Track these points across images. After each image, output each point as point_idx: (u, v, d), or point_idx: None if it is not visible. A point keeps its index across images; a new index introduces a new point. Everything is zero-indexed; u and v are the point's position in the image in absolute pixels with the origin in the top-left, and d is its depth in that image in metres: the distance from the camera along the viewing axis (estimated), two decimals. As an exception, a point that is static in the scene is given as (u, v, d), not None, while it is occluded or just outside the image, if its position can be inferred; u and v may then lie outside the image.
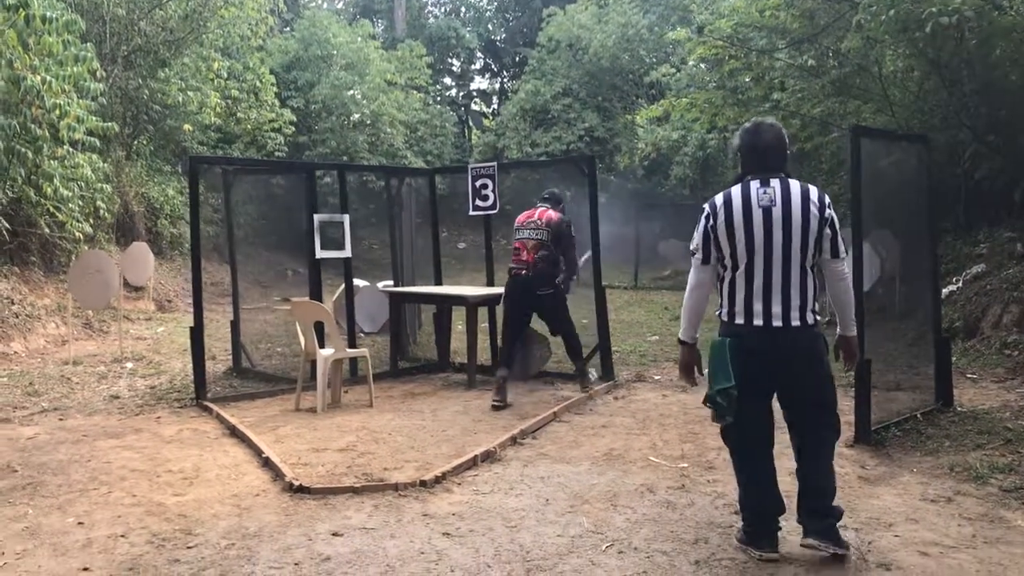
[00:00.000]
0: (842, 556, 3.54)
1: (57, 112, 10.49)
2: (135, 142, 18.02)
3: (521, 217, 7.16)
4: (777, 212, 3.51)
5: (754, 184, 3.60)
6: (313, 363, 7.04)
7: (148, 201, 17.20)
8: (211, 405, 6.88)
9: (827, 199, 3.59)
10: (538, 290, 6.92)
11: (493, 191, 8.20)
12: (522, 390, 7.40)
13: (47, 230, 12.21)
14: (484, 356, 8.39)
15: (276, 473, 4.94)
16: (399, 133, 25.39)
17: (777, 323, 3.53)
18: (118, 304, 11.12)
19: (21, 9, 9.82)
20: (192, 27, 17.67)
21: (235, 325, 8.67)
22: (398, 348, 8.59)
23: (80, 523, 4.17)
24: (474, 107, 38.17)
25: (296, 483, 4.64)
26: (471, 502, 4.40)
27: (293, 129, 22.11)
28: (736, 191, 3.62)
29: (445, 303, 8.42)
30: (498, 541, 3.84)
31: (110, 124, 12.45)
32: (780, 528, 3.71)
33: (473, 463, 5.06)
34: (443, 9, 37.16)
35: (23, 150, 10.41)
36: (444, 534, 3.94)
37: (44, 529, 4.09)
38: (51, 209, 11.89)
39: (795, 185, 3.58)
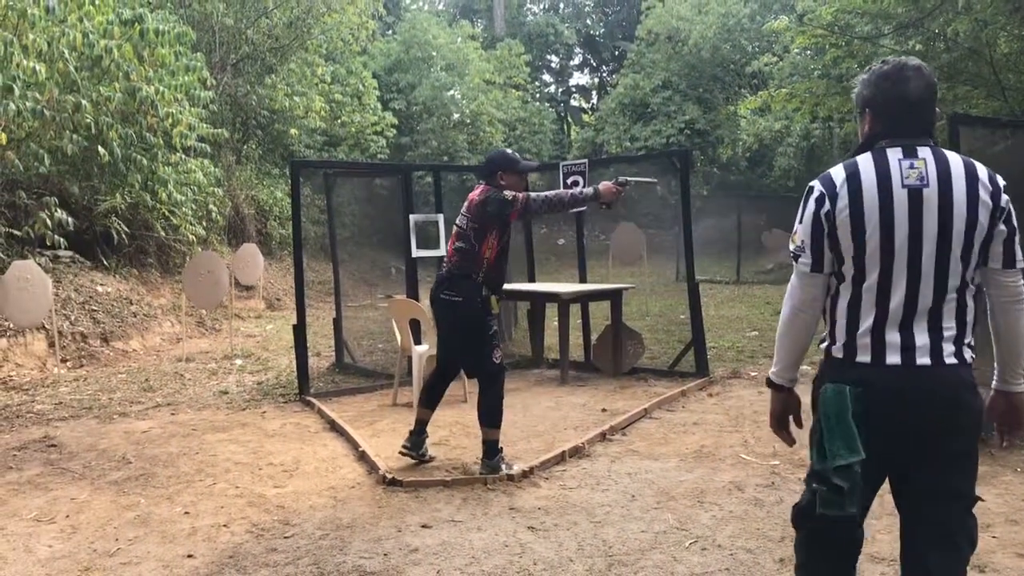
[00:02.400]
0: None
1: (170, 120, 11.01)
2: (244, 147, 18.74)
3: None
4: (931, 195, 2.29)
5: (894, 154, 2.35)
6: (410, 359, 7.21)
7: (257, 203, 17.85)
8: (313, 400, 7.13)
9: (1002, 182, 2.35)
10: (442, 293, 5.04)
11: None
12: (614, 386, 7.42)
13: (163, 233, 12.83)
14: (577, 352, 8.43)
15: (371, 466, 5.09)
16: (498, 132, 25.65)
17: (924, 360, 2.30)
18: (229, 303, 11.58)
19: (136, 24, 10.35)
20: (297, 34, 18.25)
21: (337, 322, 8.95)
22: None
23: (186, 512, 4.40)
24: (573, 103, 38.18)
25: (389, 476, 4.79)
26: (557, 497, 4.46)
27: (395, 131, 22.56)
28: (867, 162, 2.36)
29: (539, 300, 8.50)
30: (581, 536, 3.89)
31: (220, 130, 12.98)
32: None
33: (561, 458, 5.12)
34: (542, 6, 37.26)
35: (139, 157, 10.98)
36: (529, 528, 4.01)
37: (154, 517, 4.34)
38: (166, 213, 12.50)
39: (955, 158, 2.35)
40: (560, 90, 37.69)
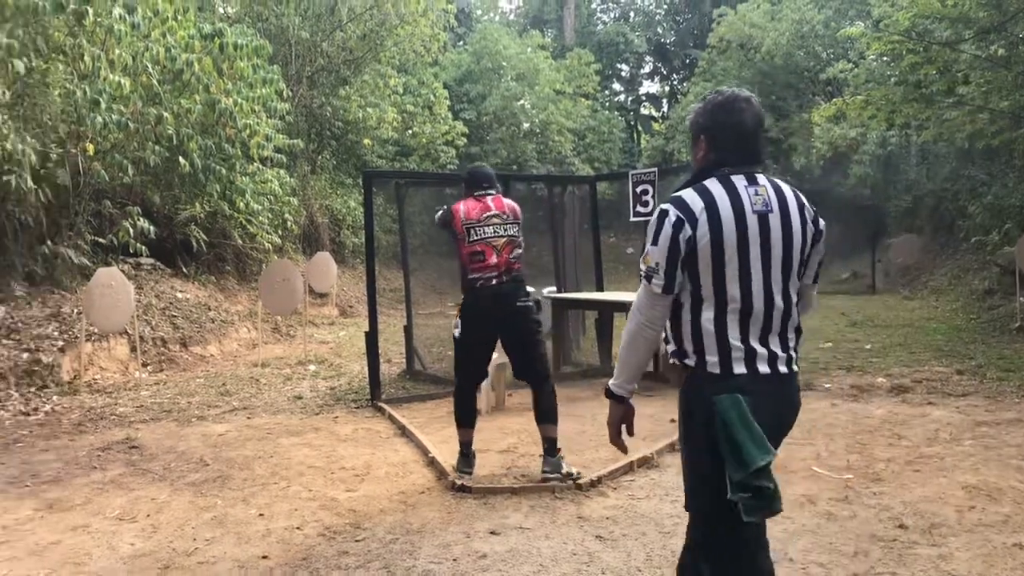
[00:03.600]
0: None
1: (248, 131, 11.31)
2: (319, 157, 19.11)
3: (471, 210, 5.16)
4: (775, 220, 2.50)
5: (739, 181, 2.52)
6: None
7: (331, 212, 18.19)
8: (384, 406, 7.23)
9: (814, 208, 2.66)
10: (518, 301, 5.14)
11: (654, 197, 8.20)
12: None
13: (240, 241, 13.17)
14: (647, 362, 8.37)
15: (440, 472, 5.14)
16: (567, 141, 25.68)
17: (783, 368, 2.50)
18: (303, 310, 11.80)
19: (216, 38, 10.67)
20: (370, 46, 18.58)
21: (408, 330, 9.06)
22: (561, 353, 8.71)
23: (261, 514, 4.51)
24: (643, 111, 38.00)
25: (458, 483, 4.83)
26: (626, 506, 4.44)
27: (465, 140, 22.76)
28: (718, 189, 2.50)
29: (607, 309, 8.47)
30: (650, 546, 3.87)
31: (296, 141, 13.30)
32: None
33: (629, 468, 5.10)
34: (612, 15, 37.23)
35: (218, 167, 11.30)
36: (597, 537, 4.01)
37: (230, 519, 4.45)
38: (243, 222, 12.83)
39: (786, 187, 2.61)
40: (630, 98, 37.54)
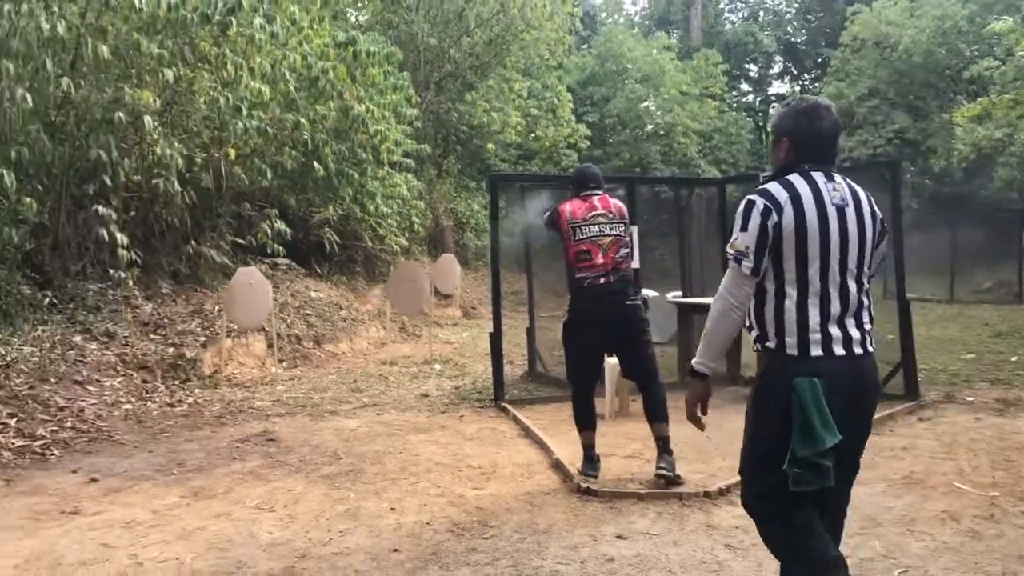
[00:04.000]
0: None
1: (379, 137, 11.63)
2: (445, 161, 19.47)
3: (576, 209, 5.20)
4: (851, 213, 2.73)
5: (819, 177, 2.76)
6: (602, 371, 7.23)
7: (456, 215, 18.51)
8: (508, 406, 7.29)
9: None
10: (627, 300, 5.14)
11: (786, 200, 7.98)
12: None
13: (370, 243, 13.55)
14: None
15: (565, 475, 5.15)
16: (692, 143, 25.33)
17: (859, 350, 2.71)
18: (429, 310, 12.03)
19: (350, 45, 11.01)
20: (496, 51, 18.80)
21: (530, 332, 9.10)
22: (686, 359, 8.58)
23: (392, 509, 4.62)
24: (772, 112, 37.07)
25: (584, 485, 4.83)
26: (756, 516, 4.34)
27: (588, 143, 22.73)
28: (801, 183, 2.73)
29: (736, 314, 8.29)
30: (782, 557, 3.78)
31: (423, 146, 13.60)
32: None
33: (760, 477, 4.98)
34: (740, 15, 36.48)
35: (351, 172, 11.66)
36: (727, 546, 3.94)
37: (363, 512, 4.58)
38: (373, 224, 13.20)
39: (856, 185, 2.84)
40: (758, 99, 36.70)
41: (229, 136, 9.63)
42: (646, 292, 9.71)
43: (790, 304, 2.70)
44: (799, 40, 35.39)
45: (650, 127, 25.10)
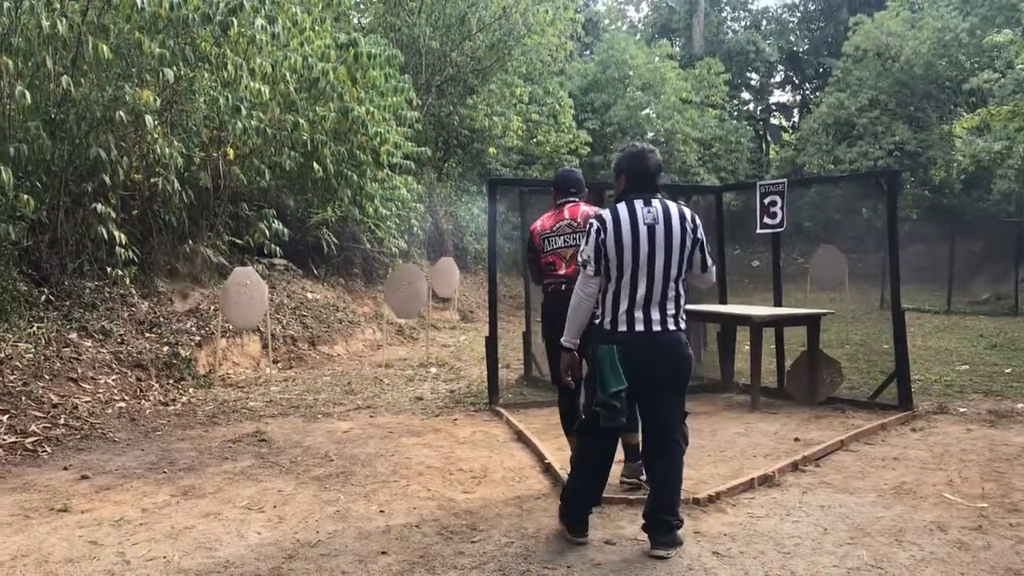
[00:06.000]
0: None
1: (378, 139, 11.64)
2: (445, 165, 19.48)
3: (546, 222, 5.33)
4: (660, 230, 3.86)
5: (639, 204, 3.92)
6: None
7: (456, 219, 18.50)
8: (502, 410, 7.29)
9: (698, 220, 3.97)
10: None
11: (782, 208, 7.99)
12: (808, 415, 7.14)
13: (368, 245, 13.55)
14: (769, 378, 8.19)
15: (556, 479, 5.15)
16: (692, 150, 25.35)
17: (657, 328, 3.88)
18: (426, 313, 12.03)
19: (351, 47, 11.02)
20: (498, 56, 18.83)
21: (527, 336, 9.11)
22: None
23: (381, 511, 4.62)
24: (773, 121, 37.14)
25: (574, 490, 4.82)
26: (744, 524, 4.34)
27: (589, 150, 22.75)
28: (623, 209, 3.93)
29: (730, 322, 8.31)
30: (768, 566, 3.77)
31: (424, 149, 13.59)
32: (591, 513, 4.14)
33: (749, 486, 4.98)
34: (742, 23, 36.53)
35: (350, 173, 11.66)
36: (714, 553, 3.93)
37: (352, 514, 4.58)
38: (372, 227, 13.20)
39: (674, 206, 3.95)
40: (759, 108, 36.76)
41: (228, 136, 9.64)
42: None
43: (612, 294, 3.94)
44: (801, 49, 35.47)
45: (650, 134, 25.12)
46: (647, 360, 3.87)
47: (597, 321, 3.97)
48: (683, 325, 3.96)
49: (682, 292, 3.95)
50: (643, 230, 3.85)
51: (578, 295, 4.00)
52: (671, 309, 3.90)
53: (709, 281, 4.15)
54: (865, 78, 25.78)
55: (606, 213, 3.96)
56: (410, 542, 4.13)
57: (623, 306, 3.89)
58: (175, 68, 8.55)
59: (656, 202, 3.92)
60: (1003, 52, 18.68)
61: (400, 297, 10.51)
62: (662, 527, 3.89)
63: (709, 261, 4.04)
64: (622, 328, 3.89)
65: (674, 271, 3.88)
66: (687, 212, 3.95)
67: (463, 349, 11.80)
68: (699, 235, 3.95)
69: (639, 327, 3.86)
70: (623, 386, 3.77)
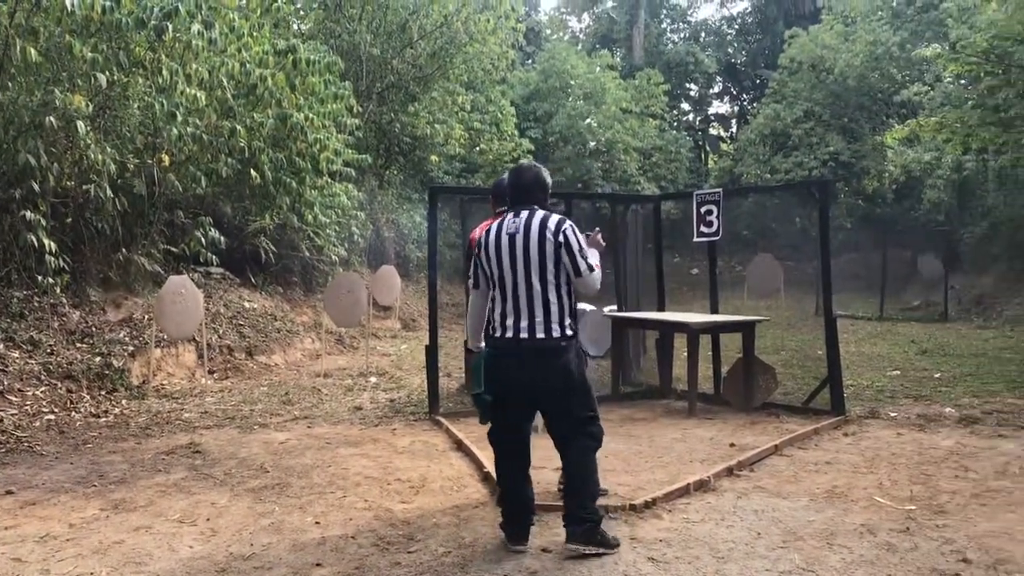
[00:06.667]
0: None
1: (318, 146, 11.52)
2: (387, 172, 19.37)
3: (482, 231, 4.91)
4: (520, 239, 4.02)
5: (509, 215, 4.14)
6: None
7: (397, 227, 18.40)
8: (442, 419, 7.27)
9: (565, 225, 4.02)
10: None
11: (718, 217, 8.11)
12: (744, 421, 7.25)
13: (307, 253, 13.41)
14: (706, 385, 8.29)
15: (495, 487, 5.13)
16: (633, 160, 25.61)
17: (524, 335, 3.99)
18: (367, 322, 11.94)
19: (289, 54, 10.92)
20: (439, 64, 18.81)
21: (467, 344, 9.09)
22: (620, 373, 8.66)
23: (317, 523, 4.57)
24: (712, 131, 37.73)
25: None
26: (680, 530, 4.39)
27: (531, 158, 22.82)
28: (496, 223, 4.18)
29: (668, 329, 8.41)
30: (703, 570, 3.82)
31: (364, 156, 13.49)
32: (532, 523, 4.20)
33: (685, 491, 5.04)
34: (681, 35, 37.07)
35: (288, 180, 11.52)
36: (649, 559, 3.97)
37: (287, 526, 4.52)
38: (311, 234, 13.07)
39: (538, 215, 4.07)
40: (698, 118, 37.33)
41: (163, 142, 9.48)
42: (583, 306, 9.77)
43: (491, 302, 4.16)
44: (739, 61, 36.13)
45: (592, 144, 25.33)
46: (516, 365, 4.03)
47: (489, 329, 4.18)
48: (557, 332, 4.00)
49: (552, 299, 4.00)
50: (505, 240, 4.04)
51: (471, 304, 4.34)
52: (539, 316, 3.99)
53: (589, 286, 4.12)
54: (800, 90, 26.34)
55: (484, 229, 4.27)
56: (345, 554, 4.09)
57: (497, 313, 4.09)
58: (108, 73, 8.38)
59: (524, 212, 4.09)
60: (932, 65, 19.25)
61: (340, 306, 10.41)
62: (572, 519, 4.02)
63: (582, 266, 4.04)
64: (496, 334, 4.08)
65: (536, 277, 3.99)
66: (552, 219, 4.04)
67: (404, 358, 11.74)
68: (561, 239, 3.99)
69: (508, 333, 4.03)
70: (480, 390, 4.08)
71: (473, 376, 4.13)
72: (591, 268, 4.08)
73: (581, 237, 4.12)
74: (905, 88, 20.88)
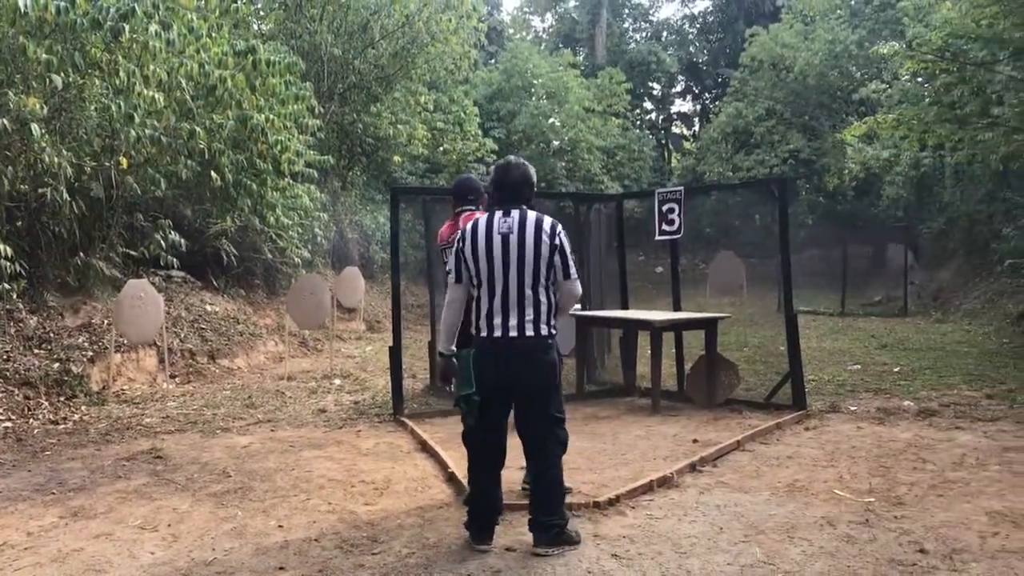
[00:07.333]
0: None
1: (279, 147, 11.42)
2: (349, 173, 19.26)
3: (444, 232, 5.33)
4: (514, 239, 4.03)
5: (498, 214, 4.13)
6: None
7: (361, 228, 18.31)
8: (407, 421, 7.25)
9: (559, 229, 4.09)
10: None
11: (680, 216, 8.17)
12: (707, 417, 7.32)
13: (270, 256, 13.30)
14: (670, 382, 8.35)
15: (459, 488, 5.14)
16: (596, 159, 25.70)
17: (513, 333, 4.02)
18: (331, 324, 11.87)
19: (249, 55, 10.81)
20: (401, 64, 18.74)
21: (432, 345, 9.07)
22: (584, 372, 8.70)
23: (280, 526, 4.54)
24: (675, 130, 37.98)
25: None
26: (643, 526, 4.42)
27: (495, 158, 22.83)
28: (483, 220, 4.15)
29: (631, 327, 8.45)
30: (666, 566, 3.85)
31: (327, 157, 13.39)
32: (498, 523, 4.26)
33: (649, 488, 5.07)
34: (643, 34, 37.28)
35: (249, 182, 11.41)
36: (613, 555, 3.99)
37: (249, 530, 4.49)
38: (273, 236, 12.96)
39: (532, 216, 4.10)
40: (661, 117, 37.55)
41: (121, 145, 9.35)
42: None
43: (475, 300, 4.13)
44: (700, 60, 36.40)
45: (555, 143, 25.39)
46: (503, 364, 4.04)
47: (471, 326, 4.16)
48: (545, 331, 4.06)
49: (543, 299, 4.05)
50: (497, 239, 4.04)
51: (447, 299, 4.23)
52: (529, 315, 4.02)
53: (572, 291, 4.18)
54: (761, 88, 26.59)
55: (469, 225, 4.21)
56: (309, 556, 4.07)
57: (483, 311, 4.08)
58: (63, 74, 8.25)
59: (516, 212, 4.10)
60: (889, 63, 19.51)
61: (303, 308, 10.35)
62: (539, 527, 4.06)
63: (572, 269, 4.12)
64: (483, 333, 4.08)
65: (529, 277, 4.01)
66: (547, 221, 4.09)
67: (368, 360, 11.69)
68: (557, 242, 4.05)
69: (497, 332, 4.04)
70: (471, 390, 4.02)
71: (461, 377, 4.07)
72: (577, 272, 4.19)
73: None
74: (864, 86, 21.11)
